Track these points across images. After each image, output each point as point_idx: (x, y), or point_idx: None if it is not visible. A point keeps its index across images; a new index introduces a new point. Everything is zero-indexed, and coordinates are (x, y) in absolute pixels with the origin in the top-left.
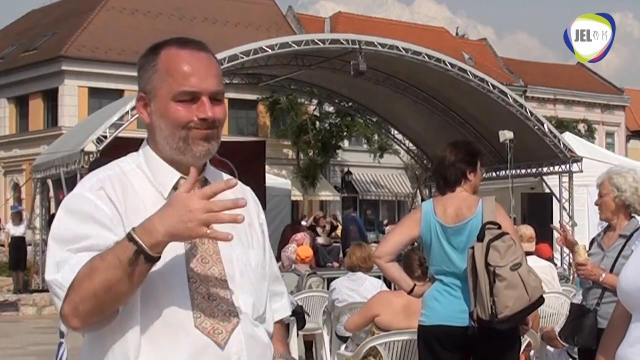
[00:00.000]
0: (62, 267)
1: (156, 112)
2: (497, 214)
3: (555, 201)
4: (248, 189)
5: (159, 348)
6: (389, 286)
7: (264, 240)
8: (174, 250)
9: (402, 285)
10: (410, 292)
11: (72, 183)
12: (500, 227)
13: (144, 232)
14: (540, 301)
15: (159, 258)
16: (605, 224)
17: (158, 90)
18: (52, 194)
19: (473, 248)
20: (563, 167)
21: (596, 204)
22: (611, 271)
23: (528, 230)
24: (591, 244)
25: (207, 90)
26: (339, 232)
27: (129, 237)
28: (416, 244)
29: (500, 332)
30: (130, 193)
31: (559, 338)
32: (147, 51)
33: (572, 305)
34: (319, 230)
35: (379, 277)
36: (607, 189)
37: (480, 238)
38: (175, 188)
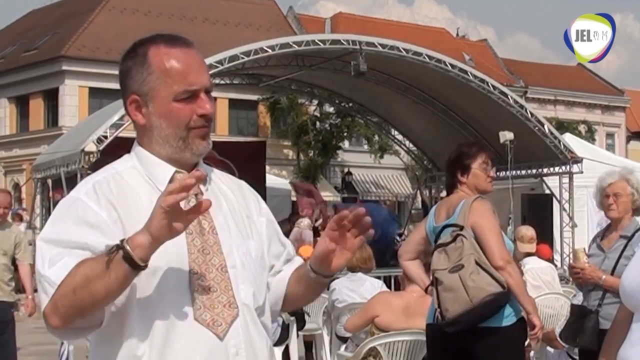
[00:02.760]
0: (54, 263)
1: (155, 113)
2: (472, 213)
3: (555, 202)
4: (243, 182)
5: (159, 341)
6: (389, 287)
7: (266, 228)
8: (175, 242)
9: (417, 282)
10: (426, 290)
11: (72, 183)
12: (462, 228)
13: (138, 247)
14: (496, 301)
15: (146, 266)
16: (604, 224)
17: (156, 91)
18: (52, 193)
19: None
20: (563, 167)
21: (609, 204)
22: (612, 272)
23: (528, 231)
24: (591, 244)
25: (204, 85)
26: None
27: (125, 256)
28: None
29: (482, 332)
30: (127, 192)
31: (559, 338)
32: (129, 52)
33: (573, 306)
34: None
35: (378, 278)
36: (626, 190)
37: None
38: (171, 181)
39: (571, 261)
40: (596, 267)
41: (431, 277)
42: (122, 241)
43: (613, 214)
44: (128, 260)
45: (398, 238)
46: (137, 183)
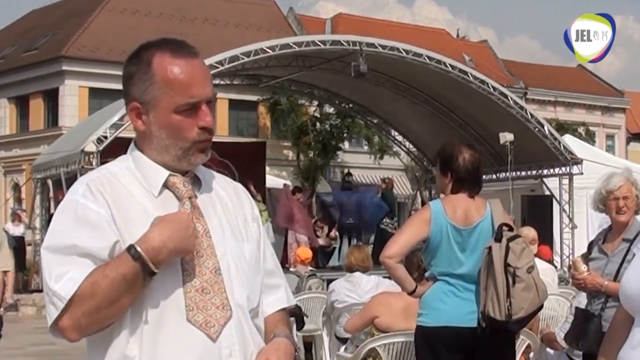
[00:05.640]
0: (60, 277)
1: (155, 123)
2: (505, 217)
3: (555, 203)
4: (239, 184)
5: (150, 341)
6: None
7: (258, 234)
8: None
9: (405, 285)
10: (411, 293)
11: (72, 183)
12: (511, 229)
13: (151, 250)
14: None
15: (156, 272)
16: (605, 226)
17: (158, 101)
18: (52, 194)
19: (489, 248)
20: (563, 169)
21: (621, 207)
22: (615, 276)
23: (530, 232)
24: (589, 247)
25: (206, 97)
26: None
27: (134, 255)
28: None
29: (503, 333)
30: (121, 192)
31: (561, 341)
32: (134, 57)
33: (577, 309)
34: (318, 232)
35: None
36: (632, 192)
37: (498, 238)
38: (165, 185)
39: (572, 271)
40: (597, 275)
41: (498, 273)
42: (136, 250)
43: (624, 218)
44: (147, 269)
45: (389, 220)
46: (131, 184)
